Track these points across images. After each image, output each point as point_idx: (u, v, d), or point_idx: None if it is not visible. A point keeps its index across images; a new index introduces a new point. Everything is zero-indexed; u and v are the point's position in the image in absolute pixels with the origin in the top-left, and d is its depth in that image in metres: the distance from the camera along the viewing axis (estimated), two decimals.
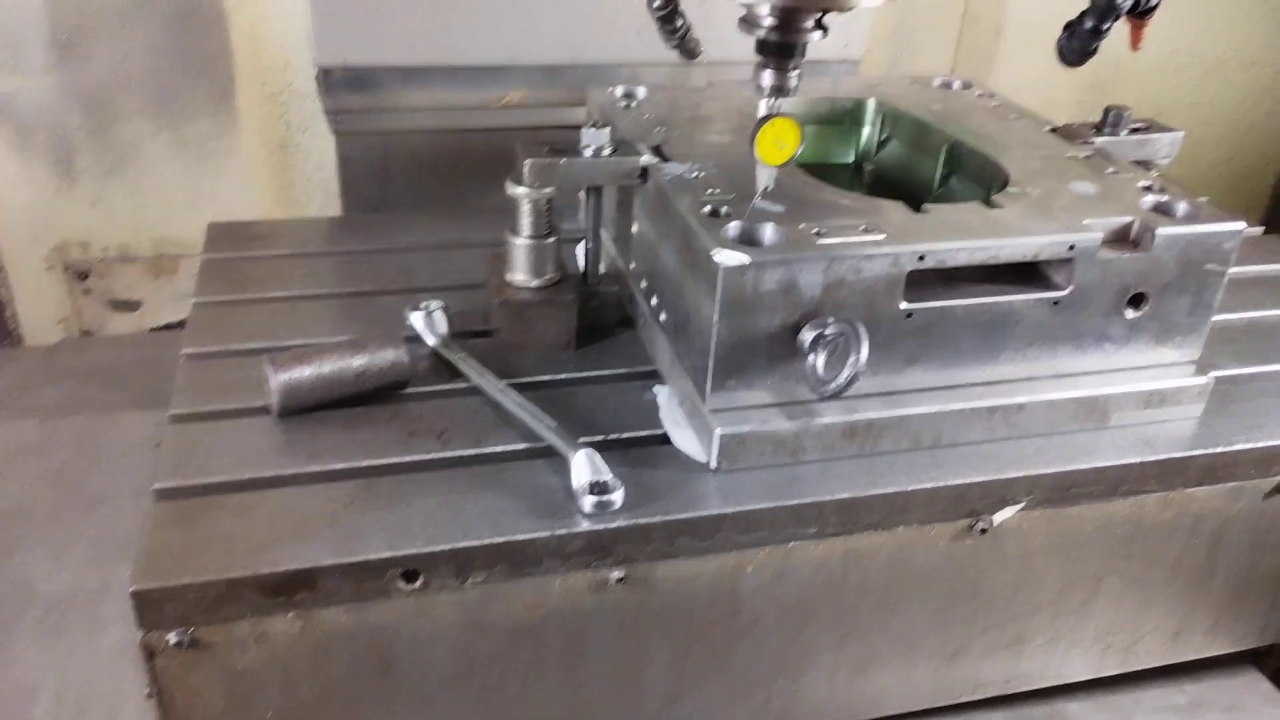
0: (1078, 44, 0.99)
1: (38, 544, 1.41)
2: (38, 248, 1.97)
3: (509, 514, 0.99)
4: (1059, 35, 1.01)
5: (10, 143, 1.85)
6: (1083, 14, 0.99)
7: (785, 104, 1.07)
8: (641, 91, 1.44)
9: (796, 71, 1.06)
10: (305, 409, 1.11)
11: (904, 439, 1.10)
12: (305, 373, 1.09)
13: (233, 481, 1.02)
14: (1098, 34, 0.97)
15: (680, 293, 1.12)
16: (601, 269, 1.34)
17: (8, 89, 1.81)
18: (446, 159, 1.77)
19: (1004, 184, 1.20)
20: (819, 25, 1.02)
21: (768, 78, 1.05)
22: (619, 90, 1.44)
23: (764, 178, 1.05)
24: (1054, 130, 1.37)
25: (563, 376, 1.22)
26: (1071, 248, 1.07)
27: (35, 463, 1.53)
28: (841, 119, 1.47)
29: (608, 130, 1.19)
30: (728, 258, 0.99)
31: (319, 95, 1.69)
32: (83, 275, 2.02)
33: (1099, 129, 1.35)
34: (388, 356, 1.13)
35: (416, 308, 1.25)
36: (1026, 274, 1.11)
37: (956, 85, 1.54)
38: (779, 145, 1.03)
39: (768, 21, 1.01)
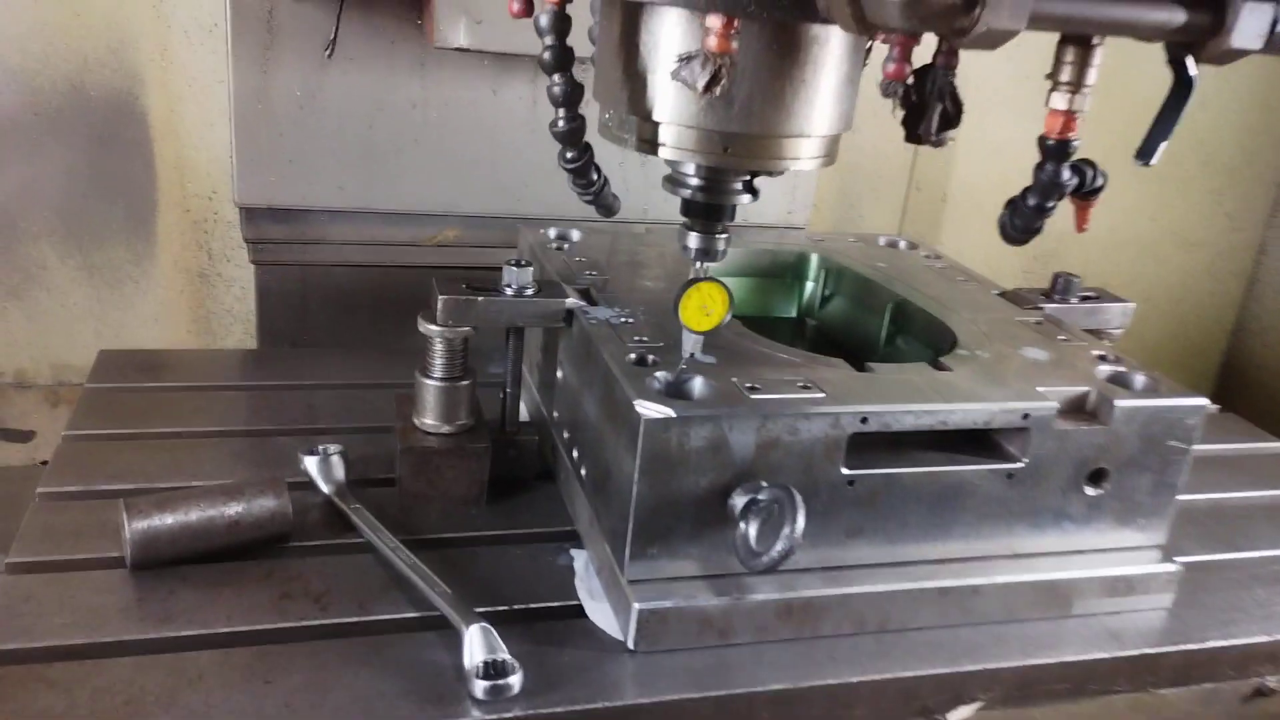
0: (1020, 221, 0.93)
1: None
2: None
3: (385, 697, 0.85)
4: (1002, 212, 0.95)
5: None
6: (1025, 191, 0.93)
7: (716, 263, 0.99)
8: (575, 235, 1.38)
9: (725, 236, 0.98)
10: (166, 562, 0.96)
11: (846, 621, 0.98)
12: (166, 521, 0.95)
13: (61, 647, 0.86)
14: (1042, 212, 0.91)
15: (601, 446, 1.01)
16: (525, 416, 1.24)
17: None
18: (371, 295, 1.68)
19: (952, 346, 1.13)
20: (749, 188, 0.95)
21: (694, 240, 0.97)
22: (552, 232, 1.37)
23: (689, 344, 0.97)
24: (1003, 294, 1.32)
25: (469, 534, 1.09)
26: (1026, 416, 0.98)
27: None
28: (784, 273, 1.41)
29: (530, 270, 1.10)
30: (651, 410, 0.89)
31: (239, 224, 1.61)
32: None
33: (1048, 295, 1.30)
34: (267, 505, 1.00)
35: (312, 451, 1.12)
36: (978, 444, 1.02)
37: (903, 245, 1.50)
38: (705, 311, 0.95)
39: (693, 181, 0.93)
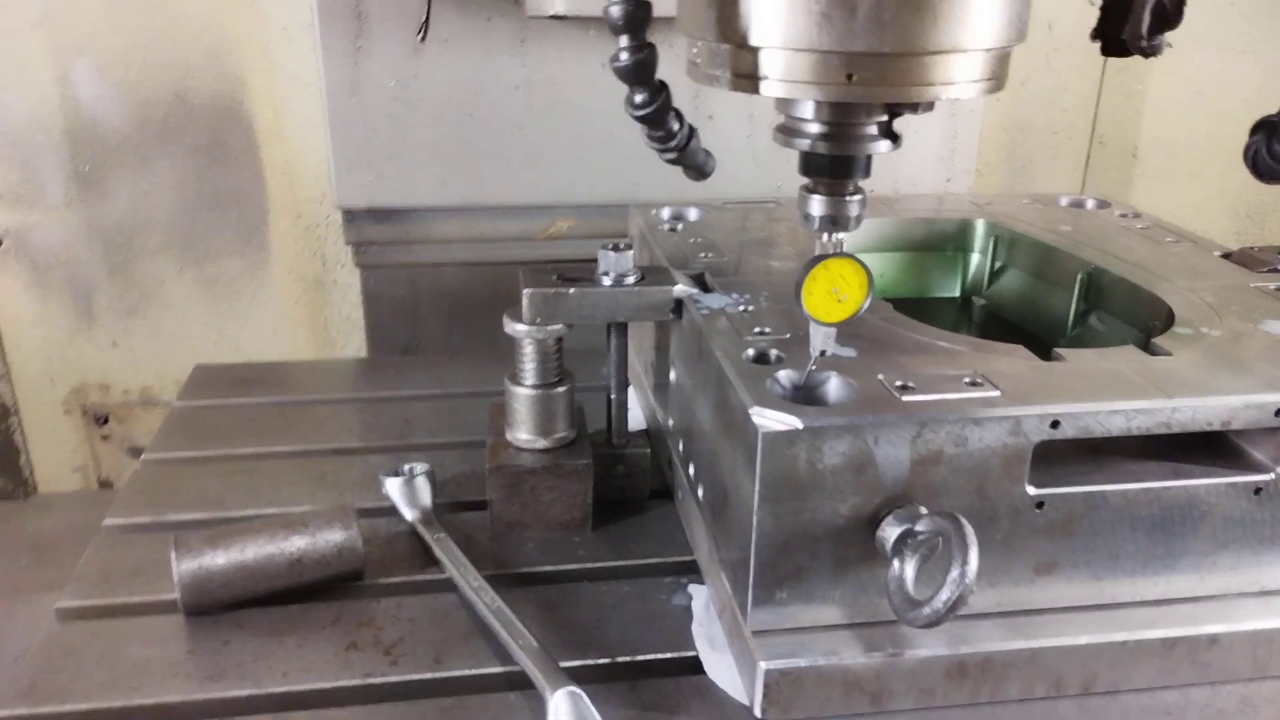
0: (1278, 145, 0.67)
1: None
2: (55, 390, 1.82)
3: None
4: (1251, 137, 0.69)
5: (27, 280, 1.72)
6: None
7: (848, 234, 0.78)
8: (693, 214, 1.20)
9: (858, 197, 0.75)
10: (222, 605, 0.84)
11: (1039, 682, 0.76)
12: (219, 561, 0.83)
13: (95, 712, 0.75)
14: None
15: (717, 463, 0.83)
16: (639, 423, 1.07)
17: (24, 223, 1.69)
18: (483, 294, 1.55)
19: (1167, 323, 0.89)
20: (887, 131, 0.73)
21: (817, 205, 0.75)
22: (665, 212, 1.19)
23: (819, 340, 0.76)
24: (1227, 256, 1.05)
25: (570, 567, 0.93)
26: (1279, 412, 0.74)
27: None
28: (944, 244, 1.19)
29: (630, 254, 0.93)
30: (771, 420, 0.70)
31: (342, 226, 1.50)
32: (102, 420, 1.85)
33: None
34: (333, 540, 0.86)
35: (395, 472, 0.99)
36: (1210, 450, 0.78)
37: (1090, 204, 1.24)
38: (837, 296, 0.73)
39: (813, 128, 0.71)
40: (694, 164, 0.71)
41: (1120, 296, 0.99)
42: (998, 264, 1.16)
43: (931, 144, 1.57)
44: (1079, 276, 1.03)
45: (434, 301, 1.56)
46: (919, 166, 1.58)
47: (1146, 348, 0.83)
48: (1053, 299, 1.08)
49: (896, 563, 0.70)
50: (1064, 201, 1.25)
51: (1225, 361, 0.79)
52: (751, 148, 1.53)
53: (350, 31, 1.40)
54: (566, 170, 1.50)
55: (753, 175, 1.54)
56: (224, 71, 1.67)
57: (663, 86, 0.64)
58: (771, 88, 0.63)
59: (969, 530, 0.66)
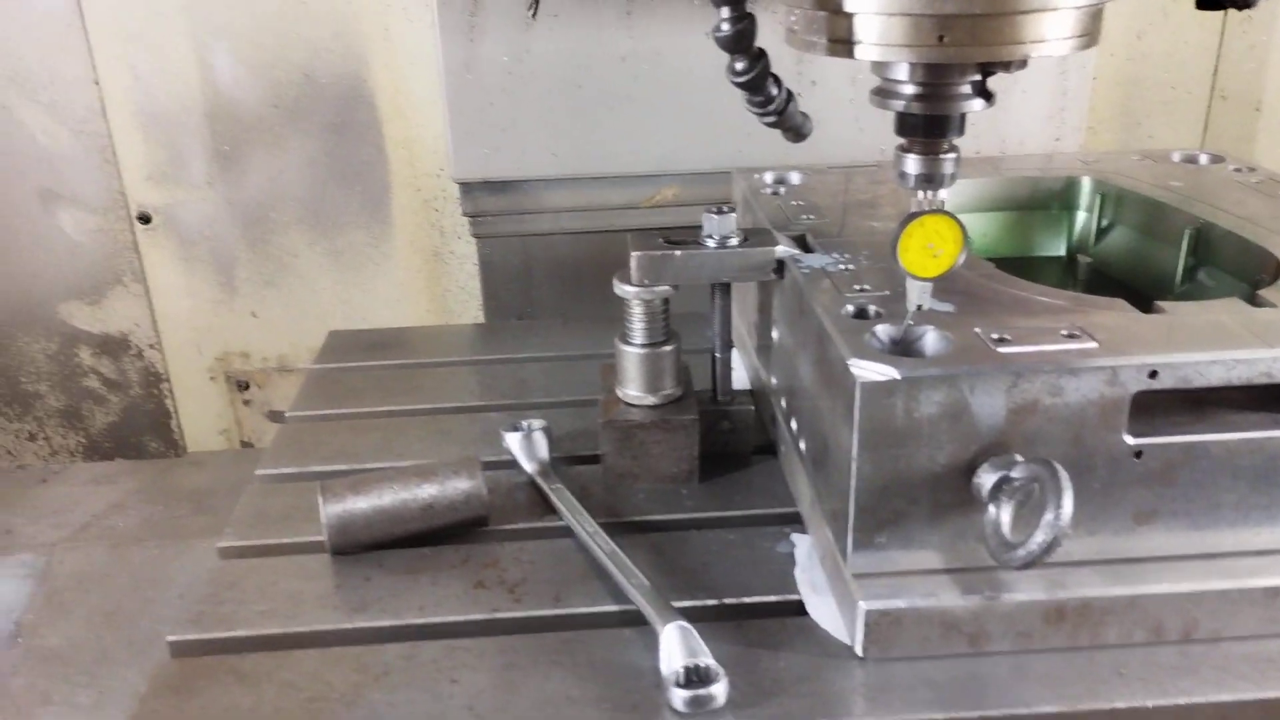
0: None
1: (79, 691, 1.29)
2: (201, 359, 1.96)
3: (575, 703, 0.75)
4: None
5: (175, 255, 1.86)
6: None
7: (944, 191, 0.80)
8: (796, 177, 1.22)
9: (952, 156, 0.78)
10: (364, 546, 0.92)
11: (1139, 628, 0.78)
12: (360, 505, 0.91)
13: (256, 638, 0.84)
14: None
15: (818, 416, 0.86)
16: (743, 384, 1.11)
17: (172, 200, 1.82)
18: (593, 261, 1.61)
19: (1276, 276, 0.88)
20: (980, 90, 0.74)
21: (912, 163, 0.78)
22: (768, 176, 1.22)
23: (915, 294, 0.79)
24: None
25: (679, 517, 0.98)
26: None
27: (91, 599, 1.41)
28: (1048, 203, 1.19)
29: (733, 216, 0.97)
30: (869, 371, 0.73)
31: (459, 199, 1.58)
32: (243, 386, 1.99)
33: None
34: (460, 487, 0.93)
35: (515, 428, 1.06)
36: None
37: (1204, 159, 1.22)
38: (933, 252, 0.76)
39: (908, 89, 0.74)
40: (792, 126, 0.75)
41: (1229, 250, 0.98)
42: (1104, 221, 1.16)
43: (1041, 102, 1.56)
44: (1186, 231, 1.03)
45: (546, 269, 1.63)
46: (1027, 125, 1.56)
47: (1252, 300, 0.83)
48: (1160, 255, 1.07)
49: (992, 507, 0.73)
50: (1176, 157, 1.23)
51: None
52: (855, 111, 1.55)
53: (466, 9, 1.46)
54: (671, 139, 1.55)
55: (856, 138, 1.56)
56: (349, 51, 1.76)
57: (762, 54, 0.67)
58: (866, 51, 0.66)
59: (1063, 474, 0.68)
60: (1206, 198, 1.07)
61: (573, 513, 0.95)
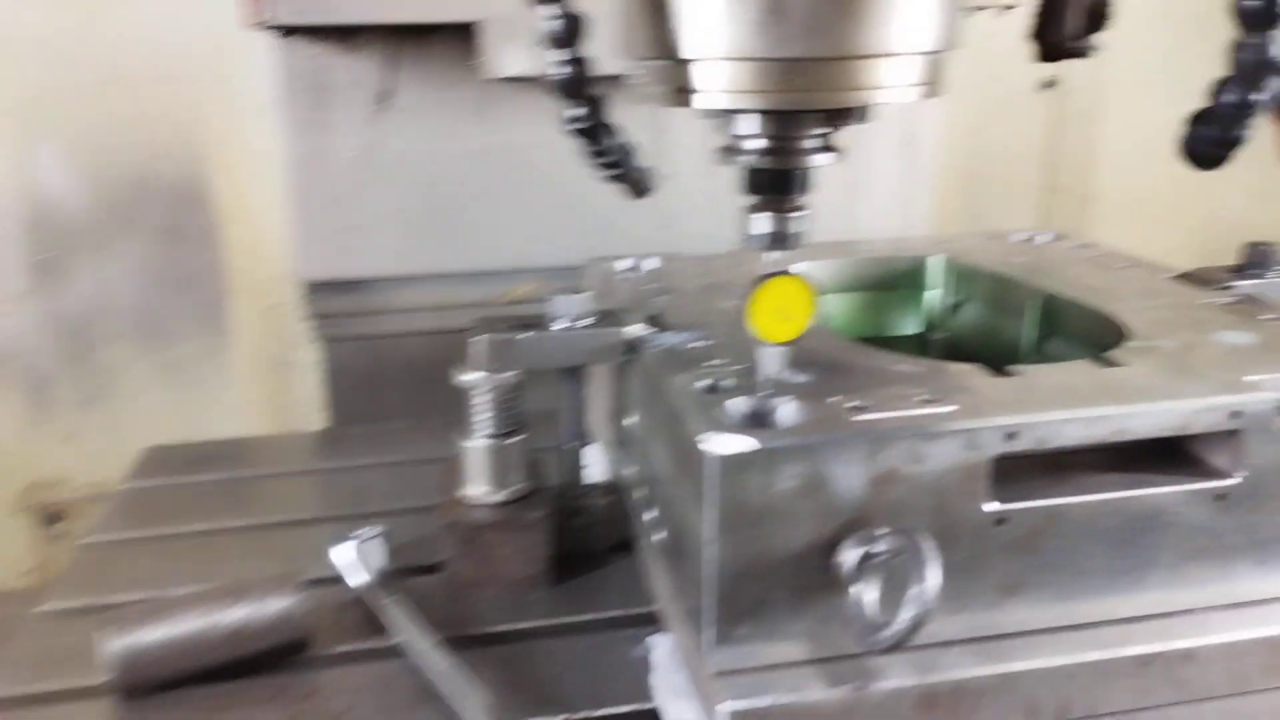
0: (1215, 129, 0.65)
1: None
2: (4, 490, 1.77)
3: None
4: (1184, 131, 0.68)
5: None
6: (1221, 85, 0.64)
7: (792, 252, 0.77)
8: (651, 262, 1.19)
9: (801, 214, 0.74)
10: (158, 685, 0.80)
11: (1014, 709, 0.73)
12: (152, 636, 0.79)
13: None
14: (1245, 112, 0.63)
15: (674, 502, 0.80)
16: (603, 475, 1.04)
17: None
18: (446, 362, 1.52)
19: (1120, 340, 0.88)
20: (827, 146, 0.71)
21: (761, 223, 0.74)
22: (624, 262, 1.19)
23: (769, 363, 0.74)
24: (1179, 277, 1.05)
25: (528, 625, 0.89)
26: (1236, 414, 0.72)
27: None
28: (900, 283, 1.18)
29: (585, 297, 0.92)
30: (721, 444, 0.68)
31: (301, 300, 1.49)
32: (54, 519, 1.80)
33: (1239, 271, 1.03)
34: (275, 608, 0.83)
35: (345, 538, 0.95)
36: (1168, 459, 0.77)
37: (1044, 239, 1.24)
38: (783, 315, 0.72)
39: (750, 143, 0.70)
40: (633, 179, 0.71)
41: (1073, 319, 0.98)
42: (955, 298, 1.16)
43: (888, 191, 1.59)
44: (1033, 303, 1.03)
45: (396, 372, 1.54)
46: (877, 215, 1.59)
47: (1100, 360, 0.82)
48: (1009, 328, 1.07)
49: (856, 588, 0.68)
50: (1018, 237, 1.25)
51: (1178, 369, 0.78)
52: (713, 203, 1.54)
53: (311, 104, 1.40)
54: (528, 234, 1.50)
55: (715, 230, 1.54)
56: (188, 152, 1.68)
57: (596, 100, 0.63)
58: (706, 99, 0.63)
59: (925, 543, 0.64)
60: (1050, 272, 1.08)
61: (407, 629, 0.85)
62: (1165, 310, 0.93)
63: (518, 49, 1.32)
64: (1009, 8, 1.45)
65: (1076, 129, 1.94)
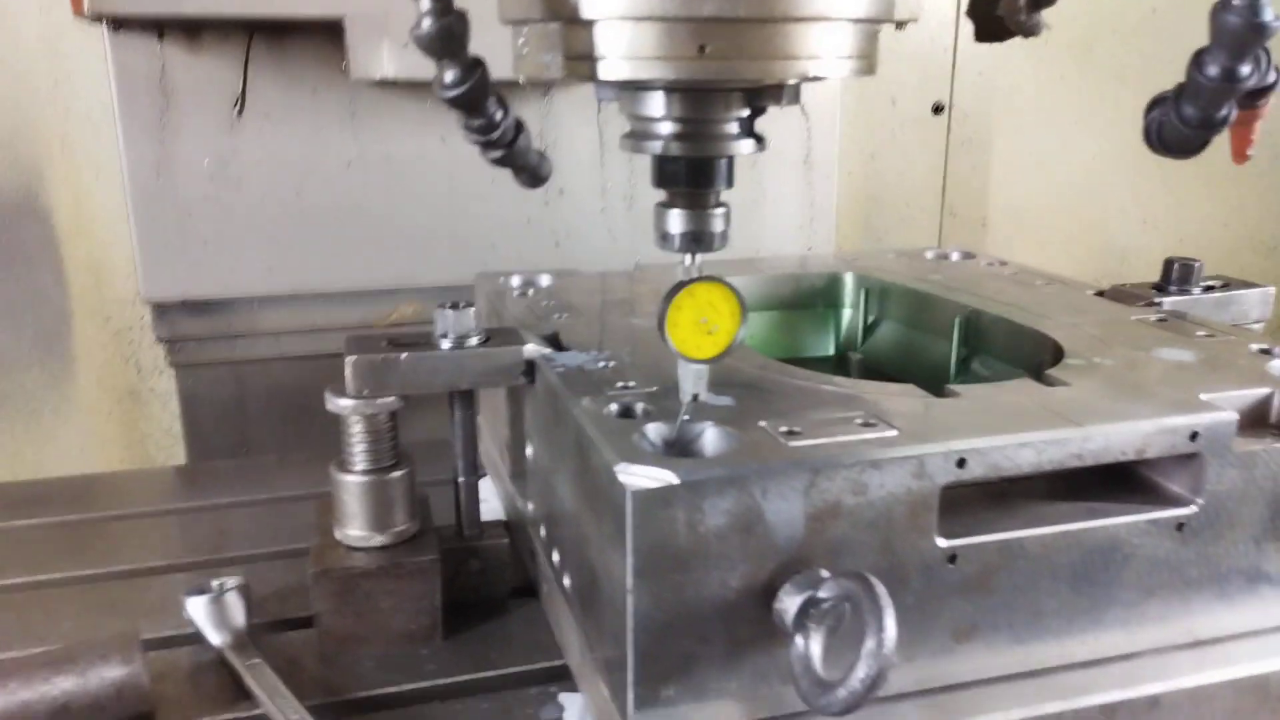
0: (1196, 108, 0.56)
1: None
2: None
3: None
4: (1149, 113, 0.61)
5: None
6: (1201, 56, 0.56)
7: (713, 254, 0.68)
8: (545, 280, 1.09)
9: (721, 210, 0.65)
10: None
11: None
12: None
13: None
14: (1230, 86, 0.54)
15: (584, 543, 0.70)
16: (496, 516, 0.94)
17: None
18: (319, 389, 1.39)
19: (1055, 358, 0.82)
20: (748, 128, 0.63)
21: (676, 220, 0.64)
22: (515, 279, 1.09)
23: (690, 381, 0.65)
24: (1101, 294, 1.01)
25: (418, 686, 0.78)
26: (1194, 436, 0.67)
27: None
28: (813, 301, 1.12)
29: (471, 312, 0.82)
30: (640, 477, 0.59)
31: (151, 322, 1.34)
32: None
33: (1161, 288, 1.00)
34: (110, 677, 0.69)
35: (201, 590, 0.82)
36: (1117, 486, 0.71)
37: (955, 256, 1.20)
38: (706, 327, 0.63)
39: (663, 127, 0.61)
40: (525, 164, 0.61)
41: (1002, 337, 0.93)
42: (871, 317, 1.10)
43: (791, 213, 1.54)
44: (956, 320, 0.97)
45: (263, 401, 1.40)
46: (780, 235, 1.53)
47: (1040, 379, 0.76)
48: (932, 347, 1.01)
49: (799, 639, 0.59)
50: (929, 254, 1.21)
51: (1127, 388, 0.73)
52: (606, 221, 1.46)
53: (155, 106, 1.26)
54: (408, 251, 1.39)
55: (609, 249, 1.47)
56: (18, 162, 1.50)
57: (478, 63, 0.53)
58: (612, 68, 0.53)
59: (881, 590, 0.56)
60: (968, 288, 1.03)
61: (273, 696, 0.72)
62: (1096, 327, 0.88)
63: (387, 49, 1.21)
64: (901, 25, 1.43)
65: (967, 155, 1.94)
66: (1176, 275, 0.99)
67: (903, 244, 1.93)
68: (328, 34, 1.27)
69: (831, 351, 1.12)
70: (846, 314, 1.11)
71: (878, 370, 1.07)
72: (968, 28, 1.84)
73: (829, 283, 1.12)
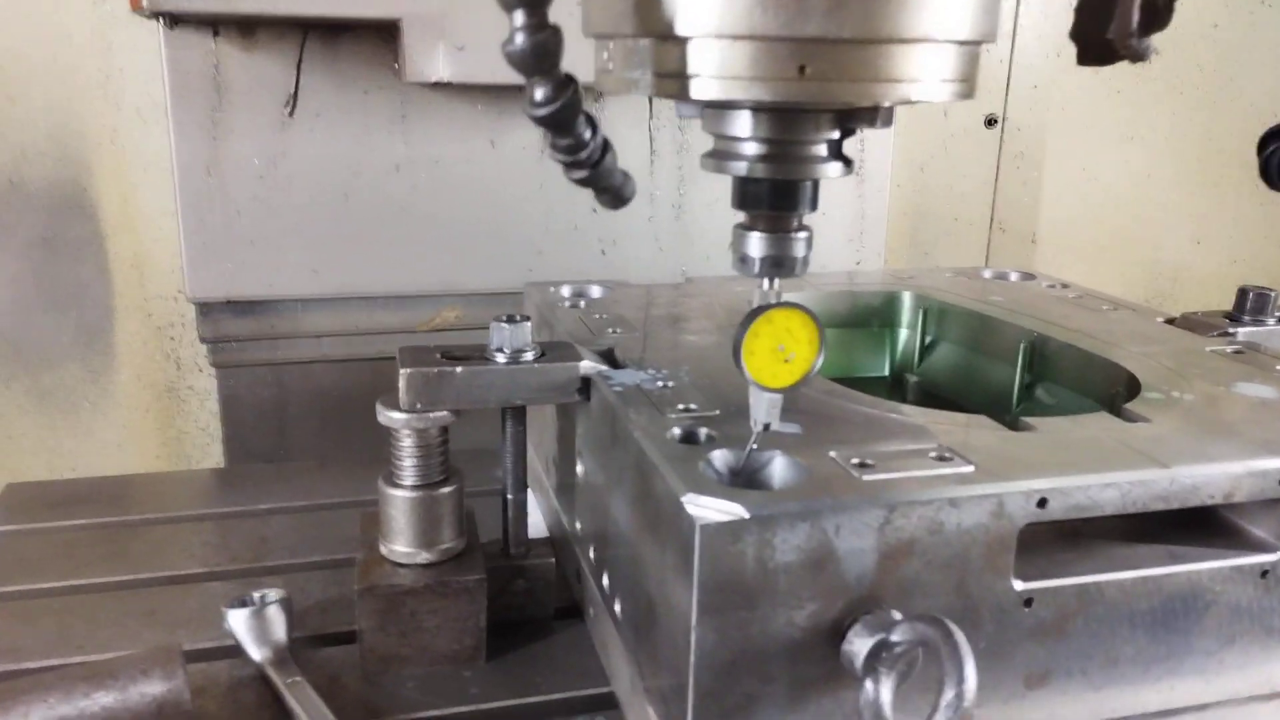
0: None
1: None
2: None
3: None
4: (1268, 148, 0.58)
5: None
6: None
7: (794, 278, 0.65)
8: (596, 291, 1.07)
9: (804, 235, 0.63)
10: None
11: None
12: None
13: None
14: None
15: (640, 569, 0.68)
16: (540, 532, 0.92)
17: None
18: (363, 394, 1.36)
19: (1130, 390, 0.79)
20: (836, 151, 0.61)
21: (757, 244, 0.61)
22: (566, 289, 1.07)
23: (763, 410, 0.62)
24: (1170, 321, 0.98)
25: (461, 710, 0.76)
26: None
27: None
28: (868, 319, 1.09)
29: (528, 326, 0.80)
30: (710, 510, 0.56)
31: (195, 322, 1.33)
32: None
33: (1234, 317, 0.96)
34: (150, 693, 0.67)
35: (243, 602, 0.80)
36: (1197, 529, 0.68)
37: (1014, 276, 1.17)
38: (782, 356, 0.61)
39: (749, 148, 0.58)
40: (609, 185, 0.59)
41: (1070, 365, 0.90)
42: (928, 338, 1.07)
43: (842, 225, 1.51)
44: (1022, 345, 0.94)
45: (304, 404, 1.39)
46: (828, 249, 1.50)
47: (1117, 413, 0.73)
48: (993, 372, 0.98)
49: (869, 683, 0.57)
50: (987, 274, 1.18)
51: (1211, 427, 0.70)
52: (653, 230, 1.44)
53: (207, 104, 1.25)
54: (453, 255, 1.37)
55: (655, 259, 1.44)
56: (66, 155, 1.50)
57: (570, 80, 0.51)
58: (704, 87, 0.51)
59: (960, 638, 0.53)
60: (1032, 311, 1.00)
61: (315, 716, 0.71)
62: (1169, 358, 0.85)
63: (443, 51, 1.20)
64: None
65: (1019, 169, 1.91)
66: (1252, 305, 0.95)
67: (949, 259, 1.90)
68: (381, 35, 1.26)
69: (886, 372, 1.09)
70: (903, 334, 1.09)
71: (935, 394, 1.04)
72: (1023, 39, 1.80)
73: (885, 301, 1.09)
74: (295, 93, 1.28)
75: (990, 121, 1.89)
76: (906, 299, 1.08)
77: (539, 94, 0.51)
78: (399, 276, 1.37)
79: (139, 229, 1.54)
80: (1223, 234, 1.97)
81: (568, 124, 0.53)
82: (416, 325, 1.39)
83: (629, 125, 1.39)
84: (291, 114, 1.29)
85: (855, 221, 1.50)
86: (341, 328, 1.37)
